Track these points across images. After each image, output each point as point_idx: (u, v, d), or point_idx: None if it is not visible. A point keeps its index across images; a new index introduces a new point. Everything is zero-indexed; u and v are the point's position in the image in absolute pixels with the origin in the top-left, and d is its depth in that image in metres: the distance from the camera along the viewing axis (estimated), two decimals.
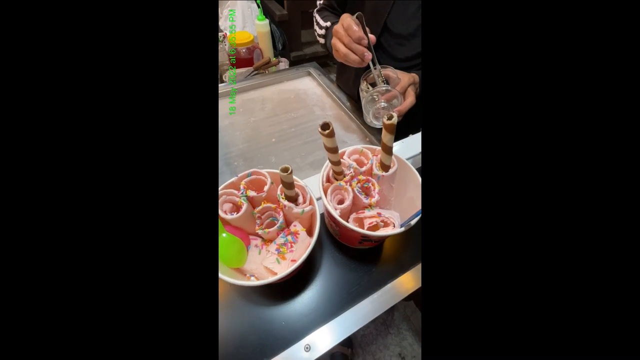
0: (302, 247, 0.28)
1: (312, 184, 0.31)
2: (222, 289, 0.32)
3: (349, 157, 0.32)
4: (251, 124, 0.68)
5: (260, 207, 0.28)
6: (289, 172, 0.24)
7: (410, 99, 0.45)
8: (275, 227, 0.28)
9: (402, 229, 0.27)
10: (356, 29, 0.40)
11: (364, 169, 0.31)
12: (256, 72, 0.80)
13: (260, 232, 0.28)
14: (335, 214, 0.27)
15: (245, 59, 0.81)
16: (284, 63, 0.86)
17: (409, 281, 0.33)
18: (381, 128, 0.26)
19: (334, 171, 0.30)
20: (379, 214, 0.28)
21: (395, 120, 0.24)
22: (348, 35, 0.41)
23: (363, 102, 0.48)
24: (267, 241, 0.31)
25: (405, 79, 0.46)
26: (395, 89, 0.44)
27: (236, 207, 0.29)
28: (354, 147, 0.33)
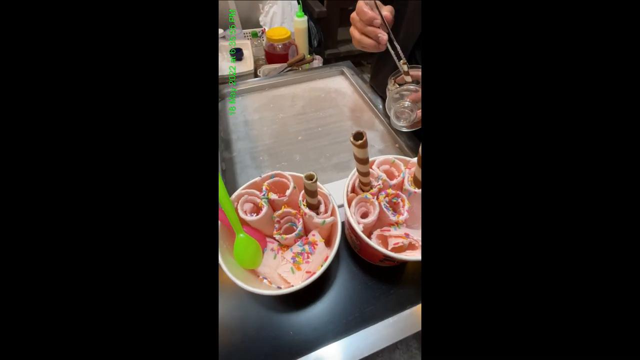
0: (319, 258, 0.27)
1: (334, 189, 0.29)
2: (233, 288, 0.31)
3: (378, 168, 0.30)
4: (279, 120, 0.67)
5: (280, 212, 0.27)
6: (314, 180, 0.23)
7: None
8: (294, 234, 0.27)
9: None
10: (367, 10, 0.37)
11: (394, 182, 0.29)
12: (289, 68, 0.79)
13: (277, 237, 0.27)
14: (358, 229, 0.25)
15: (280, 55, 0.81)
16: (317, 61, 0.84)
17: None
18: (411, 132, 0.24)
19: (361, 182, 0.28)
20: (407, 235, 0.26)
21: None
22: (360, 19, 0.38)
23: (387, 99, 0.46)
24: (283, 246, 0.30)
25: None
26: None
27: (256, 208, 0.29)
28: (384, 157, 0.30)
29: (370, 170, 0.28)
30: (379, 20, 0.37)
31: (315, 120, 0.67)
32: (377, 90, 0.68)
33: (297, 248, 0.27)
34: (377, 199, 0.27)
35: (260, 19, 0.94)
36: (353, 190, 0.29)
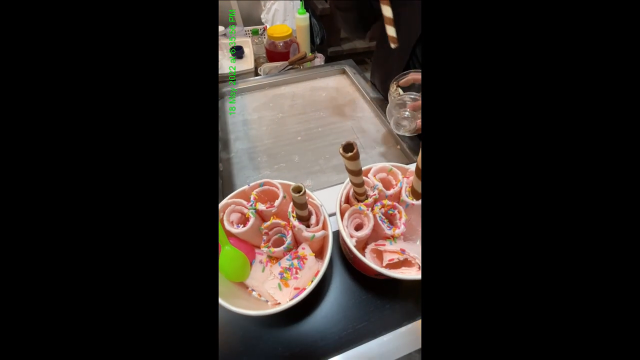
0: (309, 274, 0.25)
1: (332, 193, 0.27)
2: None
3: (374, 176, 0.28)
4: (279, 119, 0.66)
5: (268, 223, 0.26)
6: (302, 192, 0.21)
7: None
8: (282, 247, 0.25)
9: None
10: None
11: (390, 192, 0.27)
12: (290, 66, 0.77)
13: (264, 249, 0.26)
14: (351, 244, 0.24)
15: (281, 53, 0.79)
16: (319, 59, 0.82)
17: None
18: (412, 135, 0.22)
19: (355, 192, 0.26)
20: (403, 251, 0.24)
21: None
22: None
23: (389, 106, 0.45)
24: (273, 258, 0.28)
25: None
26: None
27: (244, 219, 0.27)
28: (381, 165, 0.28)
29: (366, 178, 0.27)
30: None
31: (316, 120, 0.65)
32: (378, 87, 0.66)
33: (285, 262, 0.26)
34: (372, 210, 0.26)
35: (262, 16, 0.92)
36: (347, 201, 0.28)
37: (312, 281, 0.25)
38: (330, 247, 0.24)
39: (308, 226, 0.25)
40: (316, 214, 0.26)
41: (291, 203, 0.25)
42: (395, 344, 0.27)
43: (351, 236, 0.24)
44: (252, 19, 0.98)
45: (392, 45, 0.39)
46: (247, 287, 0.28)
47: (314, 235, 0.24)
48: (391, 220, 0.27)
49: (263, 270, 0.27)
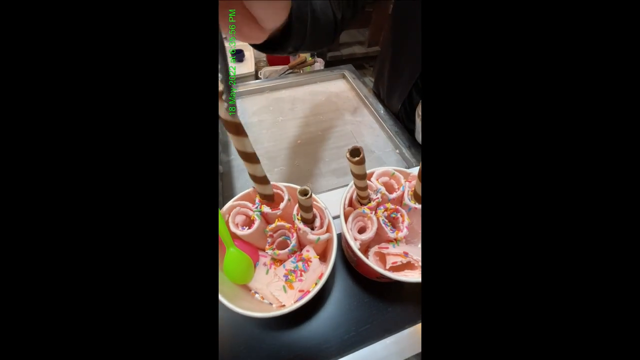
0: (313, 276, 0.25)
1: (333, 197, 0.27)
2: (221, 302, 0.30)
3: (377, 180, 0.29)
4: (279, 123, 0.66)
5: (273, 225, 0.26)
6: (309, 195, 0.22)
7: None
8: (287, 250, 0.26)
9: None
10: None
11: (393, 196, 0.27)
12: (290, 70, 0.78)
13: (270, 252, 0.26)
14: (355, 246, 0.24)
15: (281, 57, 0.80)
16: (319, 63, 0.83)
17: None
18: (412, 138, 0.23)
19: (358, 195, 0.27)
20: (406, 254, 0.25)
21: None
22: None
23: (417, 131, 0.45)
24: (276, 260, 0.28)
25: None
26: None
27: (249, 221, 0.27)
28: (384, 169, 0.29)
29: (369, 182, 0.27)
30: None
31: (315, 125, 0.66)
32: (382, 97, 0.66)
33: (289, 265, 0.26)
34: (376, 213, 0.26)
35: None
36: (350, 204, 0.28)
37: (316, 283, 0.25)
38: (335, 250, 0.24)
39: (312, 229, 0.25)
40: (320, 216, 0.26)
41: (296, 206, 0.26)
42: (398, 347, 0.27)
43: (355, 239, 0.25)
44: None
45: None
46: (250, 290, 0.28)
47: (319, 238, 0.24)
48: (394, 223, 0.27)
49: (267, 273, 0.27)
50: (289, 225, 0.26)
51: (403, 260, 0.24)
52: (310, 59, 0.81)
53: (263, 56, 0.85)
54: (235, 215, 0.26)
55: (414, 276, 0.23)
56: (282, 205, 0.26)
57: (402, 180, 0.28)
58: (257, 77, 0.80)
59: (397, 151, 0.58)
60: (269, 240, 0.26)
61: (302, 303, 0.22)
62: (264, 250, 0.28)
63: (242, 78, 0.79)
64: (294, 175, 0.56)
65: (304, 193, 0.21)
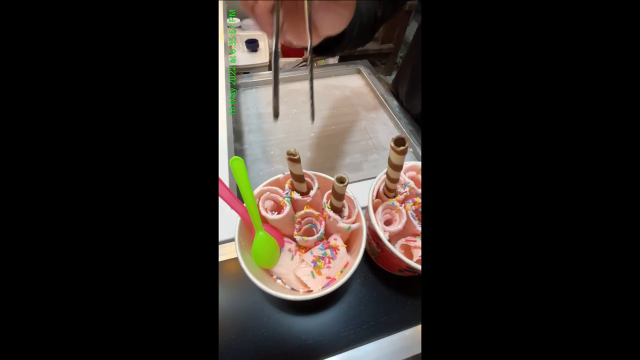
0: (340, 264, 0.26)
1: (353, 191, 0.28)
2: (246, 286, 0.30)
3: (405, 174, 0.29)
4: (293, 115, 0.66)
5: (302, 212, 0.26)
6: (346, 183, 0.22)
7: None
8: (315, 237, 0.26)
9: None
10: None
11: (420, 190, 0.27)
12: (304, 63, 0.77)
13: (298, 238, 0.26)
14: (384, 238, 0.24)
15: (296, 49, 0.80)
16: (333, 58, 0.83)
17: None
18: None
19: (387, 187, 0.27)
20: None
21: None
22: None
23: None
24: (301, 247, 0.28)
25: None
26: None
27: (277, 207, 0.27)
28: (412, 164, 0.29)
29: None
30: None
31: (329, 119, 0.66)
32: (401, 97, 0.66)
33: (317, 251, 0.26)
34: (405, 206, 0.26)
35: None
36: (378, 196, 0.28)
37: (341, 271, 0.26)
38: (364, 240, 0.24)
39: (341, 218, 0.26)
40: (349, 207, 0.27)
41: (325, 194, 0.26)
42: (416, 339, 0.28)
43: (384, 231, 0.25)
44: None
45: None
46: (272, 275, 0.28)
47: (349, 227, 0.24)
48: (421, 217, 0.27)
49: (292, 259, 0.27)
50: (317, 213, 0.27)
51: None
52: None
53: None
54: (265, 200, 0.26)
55: None
56: (312, 192, 0.26)
57: None
58: (270, 68, 0.79)
59: (411, 150, 0.58)
60: (297, 227, 0.27)
61: (334, 288, 0.22)
62: (289, 236, 0.28)
63: (257, 68, 0.78)
64: (307, 169, 0.56)
65: (342, 180, 0.22)
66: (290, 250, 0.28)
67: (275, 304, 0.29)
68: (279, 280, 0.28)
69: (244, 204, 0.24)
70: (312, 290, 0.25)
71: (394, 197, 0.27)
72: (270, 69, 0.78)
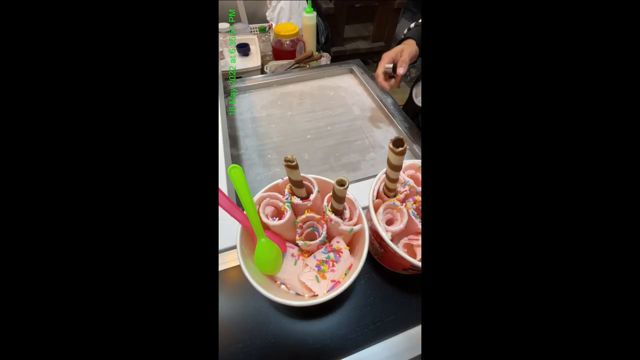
0: (344, 267, 0.25)
1: (352, 191, 0.27)
2: (250, 293, 0.30)
3: (403, 172, 0.29)
4: (288, 117, 0.66)
5: (303, 216, 0.26)
6: (346, 186, 0.22)
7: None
8: (318, 240, 0.26)
9: None
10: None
11: (421, 189, 0.27)
12: (297, 65, 0.77)
13: (300, 243, 0.26)
14: (387, 237, 0.24)
15: (288, 51, 0.79)
16: (325, 58, 0.83)
17: None
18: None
19: (386, 187, 0.27)
20: None
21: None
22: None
23: None
24: (304, 252, 0.28)
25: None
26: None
27: (278, 212, 0.27)
28: (411, 162, 0.29)
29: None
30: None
31: (324, 119, 0.65)
32: (412, 96, 0.66)
33: (321, 255, 0.26)
34: (405, 206, 0.26)
35: (267, 14, 0.91)
36: (378, 196, 0.28)
37: (345, 274, 0.26)
38: (367, 241, 0.24)
39: (342, 220, 0.25)
40: (350, 208, 0.27)
41: (326, 197, 0.26)
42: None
43: (387, 231, 0.25)
44: (256, 17, 0.97)
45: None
46: (276, 281, 0.28)
47: (352, 229, 0.24)
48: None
49: (295, 264, 0.27)
50: (319, 216, 0.26)
51: None
52: (316, 53, 0.80)
53: (269, 50, 0.84)
54: (265, 206, 0.26)
55: None
56: (312, 196, 0.26)
57: None
58: (262, 72, 0.79)
59: (408, 147, 0.58)
60: (299, 231, 0.26)
61: (338, 293, 0.22)
62: (291, 241, 0.28)
63: (248, 72, 0.78)
64: (305, 170, 0.56)
65: (342, 183, 0.21)
66: (293, 255, 0.28)
67: (281, 310, 0.29)
68: (283, 286, 0.27)
69: (244, 211, 0.24)
70: (317, 295, 0.25)
71: (394, 196, 0.27)
72: (262, 73, 0.77)
